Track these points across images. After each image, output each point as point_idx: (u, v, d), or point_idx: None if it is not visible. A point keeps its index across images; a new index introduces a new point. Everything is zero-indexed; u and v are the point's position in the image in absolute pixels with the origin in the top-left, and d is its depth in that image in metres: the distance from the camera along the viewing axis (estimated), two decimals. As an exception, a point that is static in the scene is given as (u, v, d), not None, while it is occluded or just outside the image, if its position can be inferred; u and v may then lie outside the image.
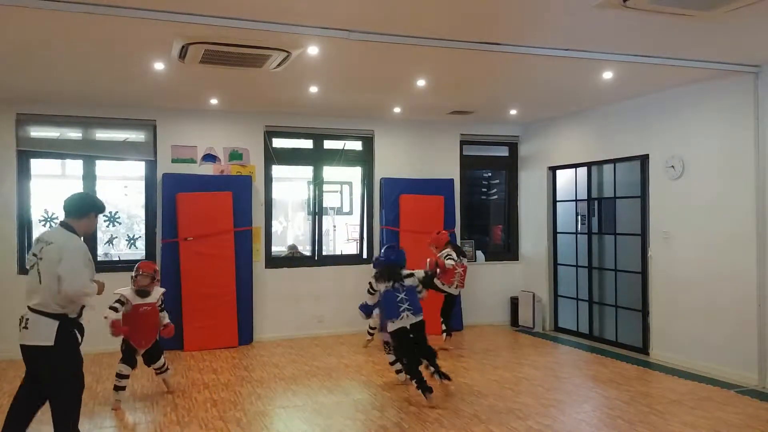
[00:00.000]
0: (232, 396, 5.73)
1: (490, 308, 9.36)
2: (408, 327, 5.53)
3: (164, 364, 5.73)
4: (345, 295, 8.47)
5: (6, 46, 5.16)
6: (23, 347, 3.92)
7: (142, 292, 5.46)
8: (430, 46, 4.99)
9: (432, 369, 5.78)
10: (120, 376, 5.43)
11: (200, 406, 5.43)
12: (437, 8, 4.30)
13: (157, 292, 5.58)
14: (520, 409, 5.31)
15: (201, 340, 7.61)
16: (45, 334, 3.84)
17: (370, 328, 7.66)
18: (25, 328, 3.88)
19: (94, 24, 4.54)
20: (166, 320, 5.68)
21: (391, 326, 5.55)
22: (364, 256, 8.91)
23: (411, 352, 5.59)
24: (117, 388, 5.42)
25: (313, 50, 5.27)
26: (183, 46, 5.09)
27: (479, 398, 5.63)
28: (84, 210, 4.09)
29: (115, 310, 5.31)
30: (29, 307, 3.89)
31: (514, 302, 9.27)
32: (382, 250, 6.22)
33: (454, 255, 7.45)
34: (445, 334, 7.59)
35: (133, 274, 5.49)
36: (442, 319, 7.60)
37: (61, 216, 4.15)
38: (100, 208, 4.21)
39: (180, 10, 4.28)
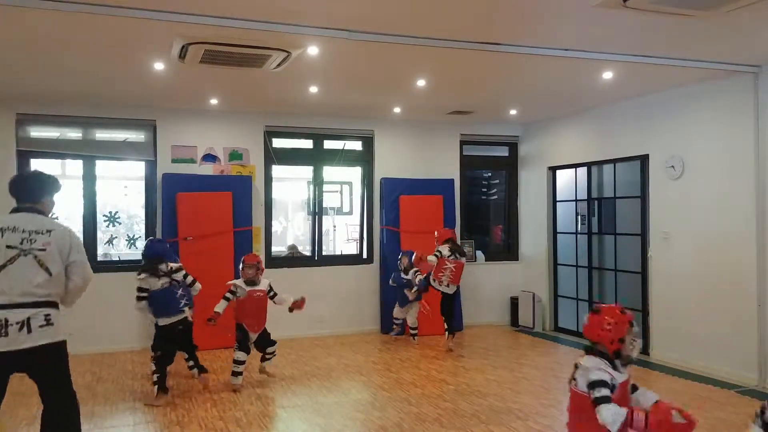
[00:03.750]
0: (232, 396, 5.73)
1: (490, 308, 9.35)
2: (181, 321, 5.63)
3: (274, 351, 6.20)
4: (345, 295, 8.48)
5: (6, 46, 5.16)
6: (41, 347, 3.34)
7: (251, 282, 5.97)
8: (430, 46, 4.98)
9: (192, 363, 6.09)
10: (238, 362, 5.89)
11: (200, 406, 5.43)
12: (437, 8, 4.30)
13: (265, 283, 6.07)
14: (520, 409, 5.31)
15: (200, 340, 7.58)
16: (63, 327, 3.46)
17: (395, 319, 7.72)
18: (48, 324, 3.36)
19: (94, 24, 4.55)
20: (291, 298, 6.15)
21: (166, 321, 5.55)
22: (364, 256, 8.91)
23: (172, 347, 5.66)
24: (235, 374, 5.92)
25: (313, 50, 5.28)
26: (183, 46, 5.09)
27: (479, 398, 5.63)
28: (53, 190, 3.67)
29: (227, 299, 5.91)
30: (35, 303, 3.34)
31: (514, 302, 9.27)
32: (153, 242, 6.07)
33: (444, 251, 7.42)
34: (447, 333, 7.59)
35: (240, 266, 6.01)
36: (443, 319, 7.61)
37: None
38: (59, 187, 3.74)
39: (180, 10, 4.28)
